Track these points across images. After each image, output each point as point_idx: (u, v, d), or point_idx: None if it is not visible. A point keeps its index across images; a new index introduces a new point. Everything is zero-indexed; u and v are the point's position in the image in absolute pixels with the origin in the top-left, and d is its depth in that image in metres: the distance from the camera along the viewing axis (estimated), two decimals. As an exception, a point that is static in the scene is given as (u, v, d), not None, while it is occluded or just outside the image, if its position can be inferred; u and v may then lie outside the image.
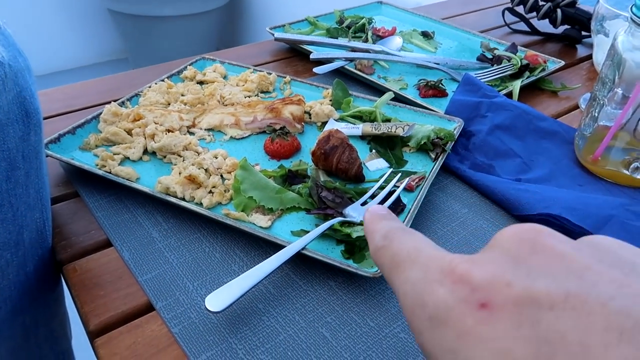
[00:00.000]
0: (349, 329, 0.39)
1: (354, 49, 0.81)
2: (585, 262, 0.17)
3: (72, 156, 0.54)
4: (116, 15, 2.47)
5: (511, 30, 0.99)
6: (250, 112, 0.62)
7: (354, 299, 0.42)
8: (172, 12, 2.37)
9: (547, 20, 0.95)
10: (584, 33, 0.93)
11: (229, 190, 0.50)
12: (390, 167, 0.56)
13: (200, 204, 0.49)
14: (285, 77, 0.72)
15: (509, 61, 0.79)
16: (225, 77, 0.73)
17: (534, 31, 0.97)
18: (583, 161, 0.59)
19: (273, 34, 0.84)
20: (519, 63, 0.77)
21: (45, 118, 0.64)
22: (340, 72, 0.76)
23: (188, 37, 2.50)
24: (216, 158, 0.54)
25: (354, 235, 0.44)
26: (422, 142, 0.57)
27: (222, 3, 2.52)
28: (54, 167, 0.55)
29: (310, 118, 0.64)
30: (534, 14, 0.96)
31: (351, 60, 0.77)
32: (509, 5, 0.98)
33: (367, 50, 0.81)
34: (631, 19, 0.52)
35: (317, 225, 0.46)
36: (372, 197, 0.49)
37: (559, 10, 0.92)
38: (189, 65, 0.73)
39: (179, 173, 0.51)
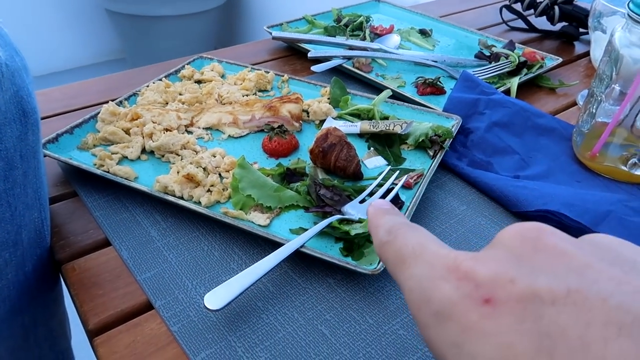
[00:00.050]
0: (348, 326, 0.39)
1: (351, 47, 0.81)
2: (586, 260, 0.17)
3: (70, 156, 0.54)
4: (114, 15, 2.47)
5: (509, 27, 0.99)
6: (248, 111, 0.62)
7: (353, 296, 0.42)
8: (169, 12, 2.36)
9: (544, 17, 0.95)
10: (581, 30, 0.93)
11: (227, 189, 0.50)
12: (388, 165, 0.56)
13: (199, 203, 0.49)
14: (283, 76, 0.72)
15: (506, 58, 0.79)
16: (223, 76, 0.73)
17: (531, 28, 0.97)
18: (581, 157, 0.59)
19: (271, 33, 0.84)
20: (517, 60, 0.77)
21: (43, 118, 0.64)
22: (338, 71, 0.76)
23: (186, 36, 2.50)
24: (214, 157, 0.54)
25: (353, 232, 0.44)
26: (420, 140, 0.57)
27: (219, 3, 2.51)
28: (52, 167, 0.55)
29: (308, 116, 0.64)
30: (532, 11, 0.96)
31: (349, 58, 0.77)
32: (507, 2, 0.98)
33: (364, 49, 0.81)
34: (628, 15, 0.52)
35: (315, 223, 0.46)
36: (371, 194, 0.49)
37: (556, 8, 0.92)
38: (187, 64, 0.73)
39: (177, 172, 0.51)
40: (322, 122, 0.63)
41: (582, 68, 0.85)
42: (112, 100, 0.62)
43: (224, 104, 0.65)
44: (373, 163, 0.56)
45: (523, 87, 0.75)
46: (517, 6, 0.98)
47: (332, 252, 0.44)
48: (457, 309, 0.18)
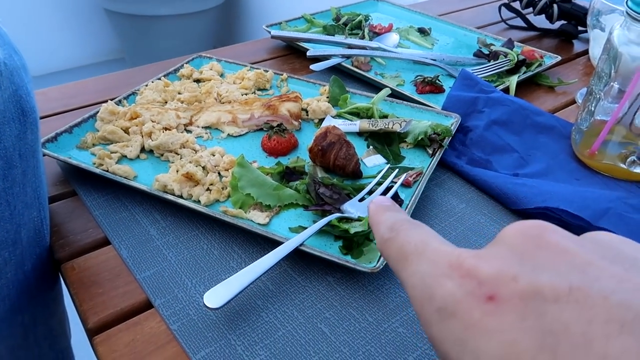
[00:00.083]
0: (347, 324, 0.39)
1: (350, 46, 0.81)
2: (588, 258, 0.17)
3: (69, 155, 0.54)
4: (113, 15, 2.47)
5: (508, 26, 0.99)
6: (247, 110, 0.62)
7: (353, 295, 0.42)
8: (168, 11, 2.36)
9: (543, 15, 0.95)
10: (580, 28, 0.93)
11: (226, 188, 0.50)
12: (387, 163, 0.56)
13: (198, 202, 0.49)
14: (282, 75, 0.72)
15: (505, 57, 0.79)
16: (222, 75, 0.73)
17: (530, 27, 0.97)
18: (580, 155, 0.59)
19: (270, 32, 0.84)
20: (516, 58, 0.77)
21: (42, 117, 0.63)
22: (337, 69, 0.76)
23: (185, 36, 2.50)
24: (213, 156, 0.54)
25: (352, 231, 0.44)
26: (420, 138, 0.57)
27: (218, 2, 2.51)
28: (51, 166, 0.55)
29: (307, 115, 0.64)
30: (531, 9, 0.96)
31: (348, 57, 0.77)
32: (506, 1, 0.99)
33: (363, 47, 0.81)
34: (627, 12, 0.52)
35: (315, 222, 0.46)
36: (370, 193, 0.49)
37: (555, 6, 0.92)
38: (186, 63, 0.73)
39: (177, 171, 0.51)
40: (321, 120, 0.63)
41: (581, 66, 0.85)
42: (111, 100, 0.62)
43: (223, 103, 0.65)
44: (372, 161, 0.56)
45: (522, 85, 0.75)
46: (516, 4, 0.98)
47: (331, 251, 0.44)
48: (461, 306, 0.18)
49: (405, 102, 0.65)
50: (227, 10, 2.70)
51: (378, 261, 0.42)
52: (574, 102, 0.74)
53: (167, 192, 0.49)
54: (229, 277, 0.39)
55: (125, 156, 0.55)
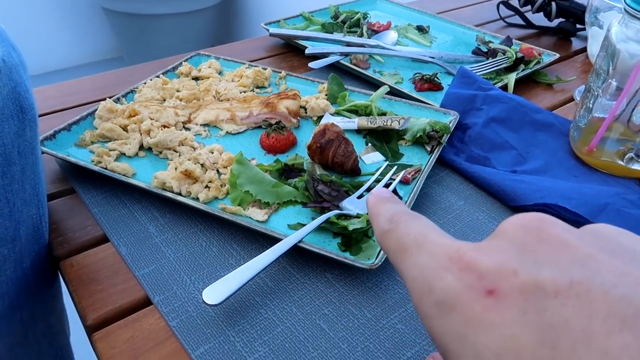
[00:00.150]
0: (346, 321, 0.39)
1: (349, 44, 0.81)
2: (589, 251, 0.17)
3: (67, 153, 0.54)
4: (111, 14, 2.46)
5: (506, 23, 0.99)
6: (245, 107, 0.62)
7: (351, 291, 0.42)
8: (166, 10, 2.36)
9: (541, 13, 0.95)
10: (578, 26, 0.93)
11: (225, 185, 0.50)
12: (386, 160, 0.56)
13: (197, 199, 0.49)
14: (280, 72, 0.72)
15: (504, 54, 0.79)
16: (220, 73, 0.73)
17: (528, 24, 0.97)
18: (578, 152, 0.59)
19: (268, 30, 0.84)
20: (514, 56, 0.77)
21: (40, 115, 0.64)
22: (335, 67, 0.76)
23: (183, 35, 2.49)
24: (212, 153, 0.54)
25: (351, 227, 0.44)
26: (418, 135, 0.57)
27: (216, 0, 2.51)
28: (49, 164, 0.55)
29: (306, 112, 0.64)
30: (529, 7, 0.96)
31: (346, 54, 0.77)
32: (504, -2, 0.99)
33: (362, 45, 0.81)
34: (625, 9, 0.52)
35: (313, 219, 0.46)
36: (368, 190, 0.49)
37: (553, 4, 0.92)
38: (184, 61, 0.73)
39: (175, 168, 0.51)
40: (320, 118, 0.64)
41: (579, 64, 0.85)
42: (110, 97, 0.62)
43: (222, 101, 0.65)
44: (371, 159, 0.57)
45: (520, 83, 0.75)
46: (514, 2, 0.98)
47: (330, 247, 0.44)
48: (460, 300, 0.18)
49: (403, 99, 0.65)
50: (225, 9, 2.70)
51: (376, 258, 0.42)
52: (572, 99, 0.74)
53: (165, 189, 0.49)
54: (227, 274, 0.40)
55: (124, 154, 0.55)
